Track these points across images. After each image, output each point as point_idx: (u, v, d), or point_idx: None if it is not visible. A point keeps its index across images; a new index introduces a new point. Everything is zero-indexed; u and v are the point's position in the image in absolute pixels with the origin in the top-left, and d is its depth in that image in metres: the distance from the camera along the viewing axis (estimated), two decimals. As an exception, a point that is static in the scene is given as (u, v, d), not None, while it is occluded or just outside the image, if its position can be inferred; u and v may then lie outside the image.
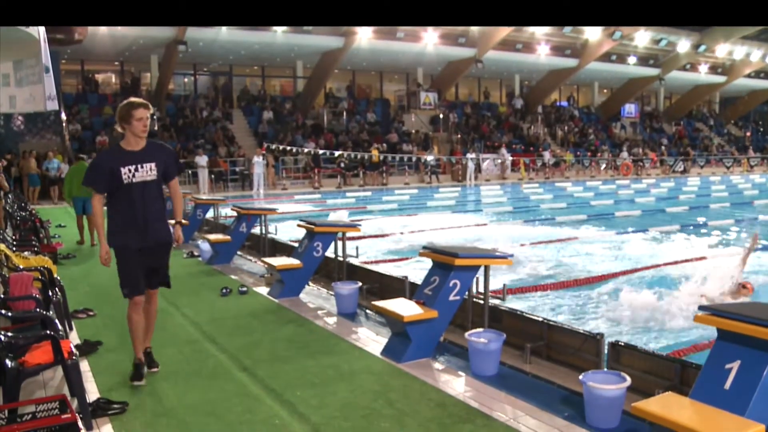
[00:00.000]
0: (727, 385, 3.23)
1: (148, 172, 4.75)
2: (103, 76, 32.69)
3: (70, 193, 11.87)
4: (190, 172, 24.73)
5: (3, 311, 4.93)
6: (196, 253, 10.31)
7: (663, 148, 39.85)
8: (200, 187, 23.54)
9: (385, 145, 30.43)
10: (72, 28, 22.95)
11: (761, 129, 50.30)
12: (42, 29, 10.06)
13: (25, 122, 24.53)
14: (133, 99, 4.87)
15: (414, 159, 29.76)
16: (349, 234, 8.04)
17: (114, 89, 31.74)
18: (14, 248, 7.86)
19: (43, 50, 10.11)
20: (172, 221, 5.13)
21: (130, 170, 4.69)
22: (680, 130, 43.58)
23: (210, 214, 13.20)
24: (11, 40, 9.35)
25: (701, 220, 15.80)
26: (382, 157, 28.94)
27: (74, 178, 11.91)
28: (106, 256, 4.76)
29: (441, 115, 34.84)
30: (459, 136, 34.01)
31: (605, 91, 45.11)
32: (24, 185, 21.87)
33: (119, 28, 25.15)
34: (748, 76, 43.39)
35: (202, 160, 24.17)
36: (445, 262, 5.35)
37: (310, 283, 7.93)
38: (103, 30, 24.86)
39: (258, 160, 24.51)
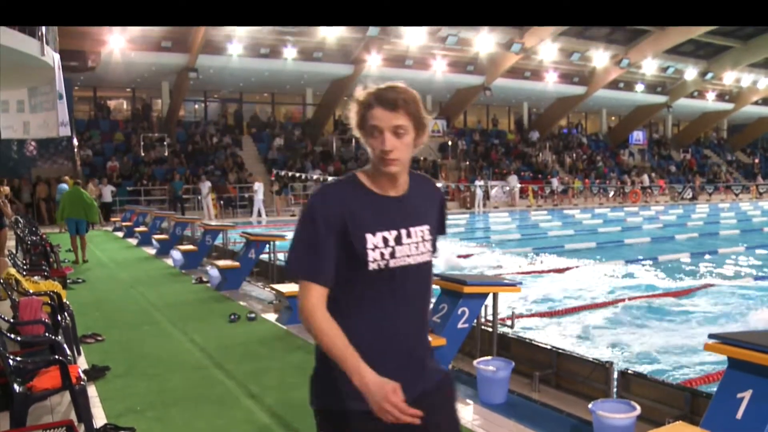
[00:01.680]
0: (739, 414, 3.20)
1: (419, 243, 2.20)
2: (114, 103, 33.07)
3: (62, 215, 12.57)
4: (199, 197, 24.85)
5: (12, 335, 4.95)
6: (204, 279, 10.33)
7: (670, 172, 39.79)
8: (205, 213, 23.57)
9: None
10: (86, 55, 23.32)
11: (767, 155, 50.19)
12: (57, 57, 10.24)
13: (38, 148, 24.80)
14: (374, 88, 2.25)
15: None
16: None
17: (125, 115, 32.08)
18: (25, 273, 7.91)
19: (57, 77, 10.27)
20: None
21: (386, 240, 2.15)
22: (691, 161, 43.49)
23: (219, 240, 13.24)
24: (27, 68, 9.52)
25: (710, 247, 15.72)
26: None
27: (67, 201, 12.72)
28: (388, 399, 1.94)
29: (450, 143, 34.96)
30: (467, 163, 34.09)
31: (613, 118, 45.20)
32: (40, 209, 22.14)
33: (132, 55, 25.52)
34: (756, 103, 43.39)
35: (205, 186, 24.18)
36: (454, 289, 5.34)
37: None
38: (116, 57, 25.22)
39: (257, 187, 24.60)
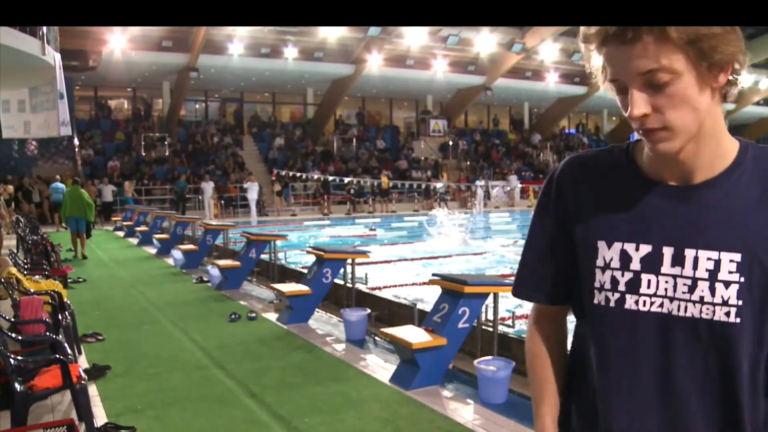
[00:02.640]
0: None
1: (699, 282, 1.20)
2: (115, 102, 33.10)
3: (65, 214, 13.23)
4: (200, 197, 24.89)
5: (13, 335, 4.95)
6: (205, 279, 10.33)
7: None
8: (205, 212, 23.60)
9: (390, 174, 30.53)
10: (87, 54, 23.38)
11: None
12: (57, 56, 10.24)
13: (39, 147, 24.84)
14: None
15: (423, 186, 29.85)
16: (358, 260, 8.05)
17: (126, 115, 32.12)
18: (25, 272, 7.92)
19: (58, 77, 10.28)
20: None
21: (626, 258, 1.26)
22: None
23: (219, 240, 13.25)
24: (28, 67, 9.52)
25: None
26: (391, 185, 29.07)
27: (68, 199, 13.28)
28: None
29: (450, 142, 34.98)
30: (468, 163, 34.11)
31: (614, 118, 45.21)
32: (43, 209, 22.26)
33: (133, 54, 25.55)
34: (757, 103, 43.40)
35: (209, 186, 24.24)
36: (455, 289, 5.34)
37: (319, 310, 7.92)
38: (117, 57, 25.25)
39: (250, 186, 24.59)
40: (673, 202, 1.22)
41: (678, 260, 1.20)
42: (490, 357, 5.17)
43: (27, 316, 5.56)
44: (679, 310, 1.20)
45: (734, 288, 1.17)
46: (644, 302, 1.22)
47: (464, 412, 4.70)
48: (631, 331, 1.24)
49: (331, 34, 27.31)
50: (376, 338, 6.72)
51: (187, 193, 25.32)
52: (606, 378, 1.28)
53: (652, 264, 1.22)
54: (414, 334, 5.25)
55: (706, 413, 1.21)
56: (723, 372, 1.20)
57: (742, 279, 1.17)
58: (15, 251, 10.75)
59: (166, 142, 28.88)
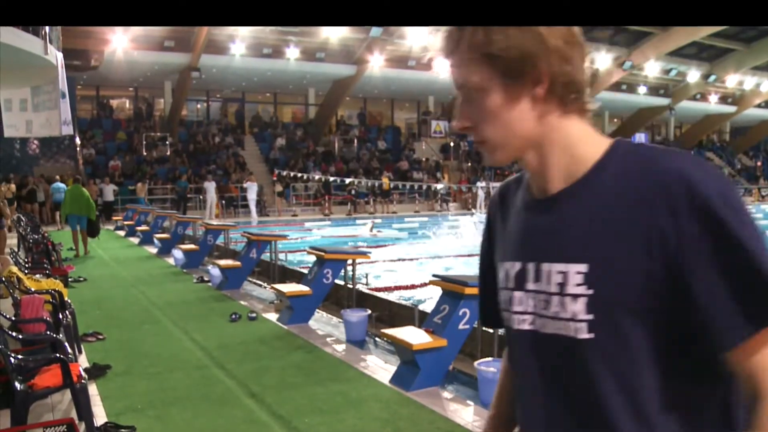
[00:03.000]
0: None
1: (552, 297, 1.14)
2: (117, 102, 33.13)
3: (64, 212, 13.42)
4: (201, 197, 24.92)
5: (14, 333, 4.96)
6: (206, 279, 10.33)
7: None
8: (206, 212, 23.64)
9: (391, 175, 30.55)
10: (89, 54, 23.40)
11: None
12: (60, 56, 10.25)
13: (40, 146, 24.86)
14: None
15: (425, 187, 29.86)
16: (359, 261, 8.06)
17: (128, 115, 32.15)
18: (26, 271, 7.92)
19: (60, 76, 10.29)
20: None
21: (507, 277, 1.25)
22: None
23: (220, 240, 13.25)
24: (30, 67, 9.52)
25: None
26: (392, 185, 29.09)
27: (69, 198, 13.47)
28: None
29: (452, 143, 34.98)
30: (469, 164, 34.11)
31: (615, 120, 45.21)
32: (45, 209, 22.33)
33: (135, 54, 25.57)
34: (759, 106, 43.39)
35: (211, 186, 24.30)
36: (455, 290, 5.34)
37: (320, 310, 7.92)
38: (119, 56, 25.26)
39: (249, 186, 24.65)
40: (535, 216, 1.19)
41: (538, 275, 1.16)
42: (490, 358, 5.17)
43: (27, 315, 5.57)
44: (543, 327, 1.15)
45: (582, 301, 1.09)
46: (519, 320, 1.19)
47: (464, 413, 4.70)
48: (521, 349, 1.21)
49: (333, 35, 27.32)
50: (377, 339, 6.72)
51: (188, 193, 25.34)
52: (518, 398, 1.27)
53: (520, 281, 1.19)
54: (414, 335, 5.25)
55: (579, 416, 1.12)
56: (590, 394, 1.10)
57: (591, 291, 1.08)
58: (16, 250, 10.77)
59: (167, 142, 28.90)
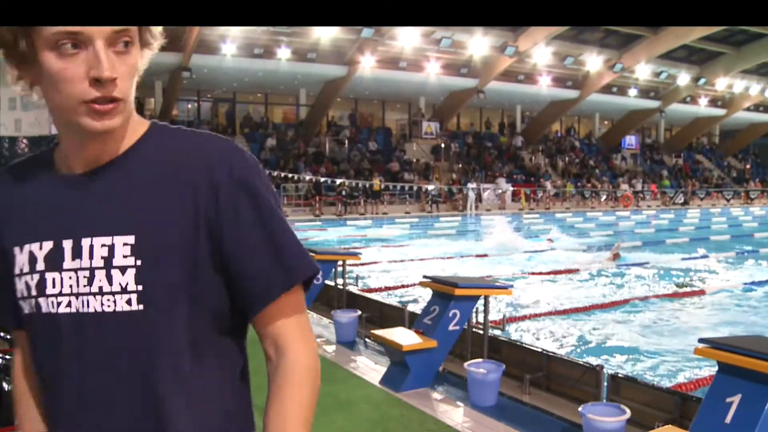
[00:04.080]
0: (728, 419, 3.21)
1: (96, 272, 1.12)
2: (107, 101, 32.95)
3: None
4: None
5: (1, 333, 4.92)
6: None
7: (665, 176, 40.00)
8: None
9: (382, 178, 30.56)
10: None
11: (759, 161, 50.53)
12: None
13: (30, 145, 24.69)
14: None
15: (415, 188, 29.88)
16: (349, 262, 8.05)
17: (118, 114, 31.98)
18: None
19: (50, 75, 10.23)
20: None
21: (33, 259, 1.16)
22: (686, 166, 43.66)
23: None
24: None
25: (701, 251, 15.79)
26: (383, 186, 29.11)
27: None
28: None
29: (442, 145, 35.02)
30: (460, 165, 34.16)
31: (606, 122, 45.38)
32: None
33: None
34: (748, 109, 43.66)
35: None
36: (445, 291, 5.35)
37: (310, 311, 7.91)
38: (108, 56, 25.13)
39: None
40: (74, 192, 1.14)
41: (77, 252, 1.12)
42: (480, 360, 5.17)
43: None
44: (84, 306, 1.11)
45: (131, 272, 1.10)
46: (53, 303, 1.12)
47: (454, 414, 4.71)
48: (52, 339, 1.13)
49: (325, 35, 27.29)
50: (367, 340, 6.72)
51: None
52: (48, 399, 1.19)
53: (55, 261, 1.13)
54: (404, 337, 5.25)
55: (132, 422, 1.12)
56: (142, 364, 1.11)
57: (139, 262, 1.10)
58: None
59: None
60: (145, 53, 1.18)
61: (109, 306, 1.10)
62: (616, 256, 13.23)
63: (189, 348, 1.14)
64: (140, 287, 1.10)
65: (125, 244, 1.10)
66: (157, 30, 1.18)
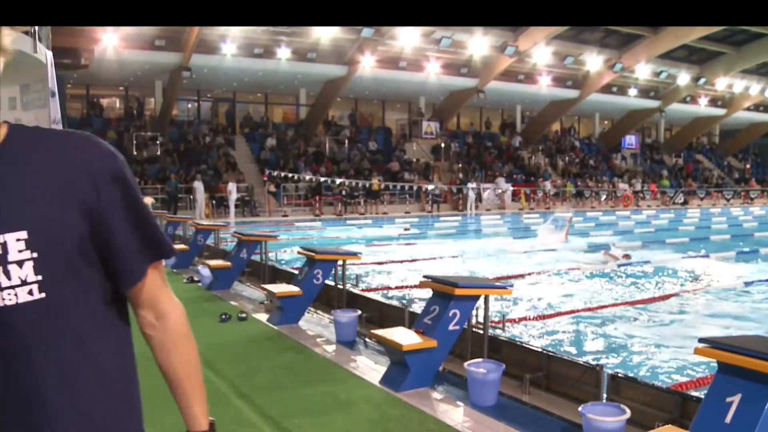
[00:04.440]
0: (728, 419, 3.21)
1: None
2: (107, 101, 32.94)
3: None
4: (191, 197, 24.87)
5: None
6: (195, 279, 10.29)
7: (664, 175, 39.99)
8: (197, 212, 23.62)
9: (381, 177, 30.55)
10: (79, 52, 23.25)
11: (758, 161, 50.54)
12: (49, 54, 10.19)
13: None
14: None
15: (415, 188, 29.88)
16: (349, 262, 8.04)
17: (118, 114, 31.97)
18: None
19: (50, 75, 10.22)
20: None
21: None
22: (687, 167, 43.61)
23: (210, 240, 13.21)
24: (20, 65, 9.46)
25: (701, 251, 15.79)
26: (383, 186, 29.10)
27: None
28: None
29: (442, 145, 35.01)
30: (460, 165, 34.16)
31: (606, 122, 45.37)
32: None
33: (125, 53, 25.46)
34: (748, 109, 43.66)
35: (200, 186, 24.32)
36: (445, 291, 5.35)
37: (310, 311, 7.91)
38: (109, 55, 25.14)
39: (231, 188, 24.76)
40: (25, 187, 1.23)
41: None
42: (480, 359, 5.17)
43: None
44: None
45: (29, 265, 1.20)
46: None
47: (454, 414, 4.71)
48: None
49: (325, 35, 27.29)
50: (367, 340, 6.72)
51: (179, 193, 25.26)
52: None
53: None
54: (404, 336, 5.25)
55: (45, 397, 1.25)
56: (48, 352, 1.24)
57: (35, 254, 1.20)
58: None
59: (158, 142, 28.77)
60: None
61: (10, 300, 1.20)
62: (626, 256, 13.70)
63: (90, 324, 1.30)
64: (39, 277, 1.21)
65: (18, 240, 1.19)
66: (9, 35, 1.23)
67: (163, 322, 1.42)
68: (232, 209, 24.72)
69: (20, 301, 1.19)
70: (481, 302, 5.50)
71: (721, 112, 43.53)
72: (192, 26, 24.32)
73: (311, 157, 31.02)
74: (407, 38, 28.61)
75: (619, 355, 6.95)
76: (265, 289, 7.86)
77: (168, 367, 1.49)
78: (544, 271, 12.29)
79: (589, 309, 8.96)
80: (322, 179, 27.82)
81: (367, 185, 28.70)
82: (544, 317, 8.50)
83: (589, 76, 35.53)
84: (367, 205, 28.44)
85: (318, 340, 6.78)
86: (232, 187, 24.75)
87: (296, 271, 8.59)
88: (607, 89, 37.24)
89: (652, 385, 4.69)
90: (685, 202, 37.56)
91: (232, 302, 8.72)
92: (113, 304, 1.36)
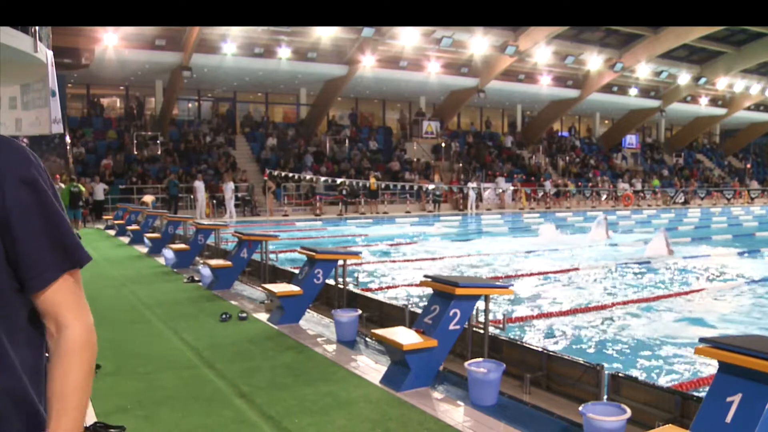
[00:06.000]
0: (729, 418, 3.21)
1: None
2: (108, 101, 32.95)
3: None
4: (191, 197, 24.87)
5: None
6: (196, 278, 10.29)
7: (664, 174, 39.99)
8: (198, 212, 23.64)
9: (380, 174, 30.55)
10: (80, 52, 23.26)
11: (759, 160, 50.53)
12: (50, 53, 10.19)
13: (30, 145, 24.66)
14: None
15: (416, 187, 29.88)
16: (349, 261, 8.04)
17: (119, 113, 31.98)
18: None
19: (50, 74, 10.22)
20: None
21: None
22: (695, 172, 43.53)
23: (211, 240, 13.21)
24: (20, 65, 9.46)
25: (701, 250, 15.78)
26: (380, 185, 29.09)
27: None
28: None
29: (443, 144, 35.02)
30: (461, 165, 34.16)
31: (606, 122, 45.37)
32: None
33: (126, 52, 25.47)
34: (748, 108, 43.66)
35: (201, 185, 24.35)
36: (446, 291, 5.34)
37: (310, 310, 7.91)
38: (110, 55, 25.15)
39: (227, 188, 24.80)
40: None
41: None
42: (480, 359, 5.17)
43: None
44: None
45: None
46: None
47: (454, 413, 4.70)
48: None
49: (325, 35, 27.29)
50: (367, 339, 6.72)
51: (179, 192, 25.27)
52: None
53: None
54: (405, 336, 5.25)
55: None
56: None
57: None
58: None
59: (158, 141, 28.78)
60: None
61: None
62: (671, 252, 14.69)
63: (17, 325, 1.38)
64: None
65: None
66: None
67: (60, 334, 1.40)
68: (230, 208, 24.74)
69: None
70: (481, 302, 5.50)
71: (721, 111, 43.53)
72: (192, 26, 24.31)
73: (311, 156, 31.02)
74: (408, 38, 28.61)
75: (620, 355, 6.95)
76: (265, 289, 7.86)
77: (49, 379, 1.39)
78: (544, 271, 12.28)
79: (590, 309, 8.95)
80: (323, 179, 27.83)
81: (366, 184, 28.68)
82: (544, 316, 8.49)
83: (589, 75, 35.53)
84: (367, 205, 28.43)
85: (318, 339, 6.77)
86: (228, 186, 24.77)
87: (297, 271, 8.59)
88: (607, 89, 37.25)
89: (653, 384, 4.68)
90: (686, 202, 37.56)
91: (233, 302, 8.72)
92: (25, 305, 1.40)
